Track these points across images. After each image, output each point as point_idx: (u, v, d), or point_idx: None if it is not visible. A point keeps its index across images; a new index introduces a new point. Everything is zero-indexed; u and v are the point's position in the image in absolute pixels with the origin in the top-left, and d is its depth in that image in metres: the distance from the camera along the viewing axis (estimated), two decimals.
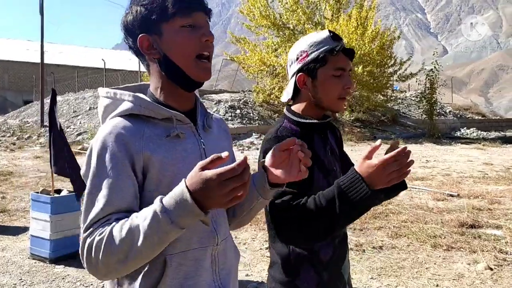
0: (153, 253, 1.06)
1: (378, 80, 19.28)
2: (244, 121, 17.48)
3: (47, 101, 23.30)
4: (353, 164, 1.64)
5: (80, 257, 1.09)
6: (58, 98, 23.55)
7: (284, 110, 1.73)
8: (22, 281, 4.42)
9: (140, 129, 1.17)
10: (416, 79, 20.71)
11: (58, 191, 5.20)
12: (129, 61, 40.14)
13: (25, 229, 6.06)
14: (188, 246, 1.19)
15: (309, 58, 1.61)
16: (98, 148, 1.13)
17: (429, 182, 9.20)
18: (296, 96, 1.69)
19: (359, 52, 17.36)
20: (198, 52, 1.21)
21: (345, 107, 1.73)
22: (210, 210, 1.03)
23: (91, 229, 1.07)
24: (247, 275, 4.57)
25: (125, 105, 1.20)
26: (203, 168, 1.00)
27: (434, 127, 19.70)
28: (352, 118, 20.43)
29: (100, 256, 1.03)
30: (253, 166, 10.10)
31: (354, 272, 4.57)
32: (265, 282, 4.40)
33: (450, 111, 26.50)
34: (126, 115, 1.19)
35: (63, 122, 19.08)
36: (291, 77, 1.68)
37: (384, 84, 19.84)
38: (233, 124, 16.68)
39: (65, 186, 8.40)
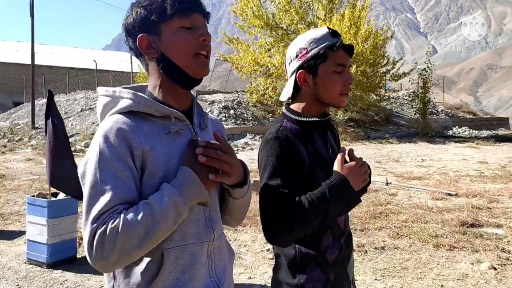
0: (164, 236, 1.13)
1: (371, 79, 19.32)
2: (238, 122, 17.40)
3: (38, 102, 23.05)
4: None
5: (87, 248, 1.09)
6: None
7: (283, 109, 1.72)
8: (19, 287, 4.32)
9: (139, 125, 1.21)
10: (409, 78, 20.79)
11: (55, 194, 5.08)
12: (120, 62, 39.90)
13: (20, 234, 5.94)
14: (185, 240, 1.22)
15: (309, 55, 1.60)
16: (100, 143, 1.16)
17: (427, 181, 9.19)
18: (296, 94, 1.68)
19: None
20: (196, 51, 1.25)
21: (344, 105, 1.75)
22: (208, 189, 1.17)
23: (101, 218, 1.09)
24: (249, 277, 4.50)
25: (125, 102, 1.23)
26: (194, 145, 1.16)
27: (427, 126, 19.78)
28: (345, 117, 20.44)
29: (116, 243, 1.06)
30: (251, 166, 10.06)
31: (358, 274, 4.52)
32: (269, 285, 4.35)
33: (442, 110, 26.66)
34: (125, 112, 1.23)
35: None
36: (291, 75, 1.68)
37: (377, 83, 19.88)
38: (227, 125, 16.59)
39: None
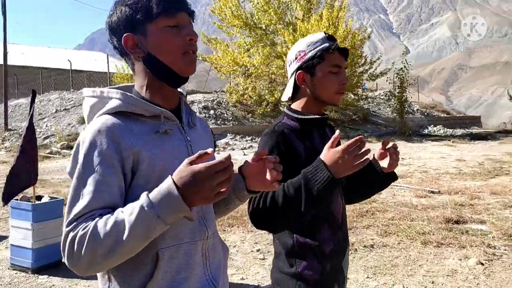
0: (138, 247, 1.07)
1: (349, 79, 19.50)
2: (219, 122, 17.32)
3: (11, 103, 22.42)
4: None
5: (61, 251, 1.08)
6: (22, 100, 22.77)
7: (284, 108, 1.90)
8: None
9: (128, 125, 1.18)
10: (387, 78, 21.08)
11: (39, 197, 4.94)
12: (94, 62, 39.19)
13: (0, 239, 5.76)
14: (180, 240, 1.20)
15: (307, 56, 1.72)
16: (87, 145, 1.13)
17: (409, 179, 9.34)
18: (296, 94, 1.80)
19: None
20: (183, 50, 1.24)
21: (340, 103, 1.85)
22: (195, 206, 1.06)
23: (75, 223, 1.07)
24: (242, 278, 4.47)
25: (113, 103, 1.21)
26: (191, 163, 1.03)
27: (405, 125, 20.10)
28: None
29: (83, 250, 1.03)
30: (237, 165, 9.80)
31: (350, 272, 4.52)
32: (262, 285, 4.33)
33: (417, 109, 27.14)
34: (114, 113, 1.20)
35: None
36: (291, 76, 1.79)
37: (355, 83, 20.07)
38: None
39: (47, 192, 8.08)
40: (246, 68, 19.07)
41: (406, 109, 22.75)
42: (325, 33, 1.77)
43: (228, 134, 16.52)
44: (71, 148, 14.68)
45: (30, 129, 4.40)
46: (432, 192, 7.88)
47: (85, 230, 1.04)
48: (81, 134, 1.18)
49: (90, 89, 1.28)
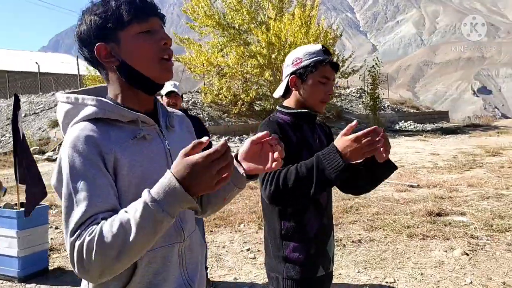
0: (147, 245, 1.06)
1: None
2: None
3: None
4: None
5: (70, 262, 1.05)
6: None
7: (277, 107, 2.03)
8: None
9: (106, 132, 1.17)
10: (360, 75, 21.40)
11: (22, 204, 4.80)
12: (61, 64, 38.20)
13: None
14: (156, 245, 1.19)
15: (302, 64, 1.91)
16: (69, 153, 1.11)
17: None
18: (287, 94, 2.01)
19: None
20: (159, 56, 1.22)
21: (324, 110, 2.04)
22: (199, 195, 1.06)
23: (78, 231, 1.05)
24: (235, 279, 4.47)
25: (89, 110, 1.19)
26: (186, 155, 1.02)
27: (378, 121, 20.44)
28: None
29: (93, 256, 1.02)
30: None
31: (340, 267, 4.61)
32: (257, 283, 4.35)
33: (388, 106, 27.65)
34: (90, 119, 1.18)
35: None
36: (285, 78, 1.99)
37: None
38: None
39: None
40: (220, 68, 19.01)
41: (378, 105, 23.16)
42: (322, 46, 1.94)
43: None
44: (44, 153, 14.33)
45: (17, 137, 4.28)
46: (412, 186, 8.07)
47: (91, 236, 1.03)
48: (62, 144, 1.17)
49: (64, 94, 1.26)
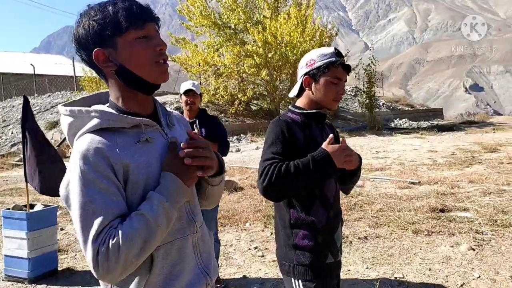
0: (161, 238, 1.22)
1: None
2: None
3: None
4: None
5: (93, 266, 1.14)
6: None
7: (289, 106, 2.16)
8: None
9: (112, 140, 1.24)
10: (355, 74, 21.44)
11: (31, 206, 4.80)
12: (55, 66, 37.97)
13: None
14: (172, 237, 1.31)
15: (315, 65, 2.04)
16: (80, 165, 1.18)
17: (388, 171, 9.57)
18: (301, 93, 2.14)
19: (300, 49, 17.66)
20: (154, 60, 1.29)
21: (336, 107, 2.23)
22: (191, 186, 1.25)
23: (100, 236, 1.14)
24: (244, 276, 4.50)
25: (94, 121, 1.26)
26: (174, 153, 1.23)
27: (374, 120, 20.52)
28: None
29: (120, 256, 1.13)
30: (246, 158, 9.76)
31: (349, 263, 4.64)
32: (266, 281, 4.37)
33: (383, 104, 27.75)
34: (96, 130, 1.25)
35: None
36: (299, 78, 2.12)
37: None
38: None
39: (37, 198, 7.81)
40: (217, 68, 19.00)
41: (374, 103, 23.23)
42: (335, 48, 2.08)
43: None
44: None
45: (25, 138, 4.28)
46: (413, 183, 8.12)
47: (115, 239, 1.13)
48: (71, 157, 1.24)
49: (66, 108, 1.32)
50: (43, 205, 4.84)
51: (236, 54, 18.32)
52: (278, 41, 17.86)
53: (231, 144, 15.10)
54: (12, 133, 17.87)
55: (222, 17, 19.50)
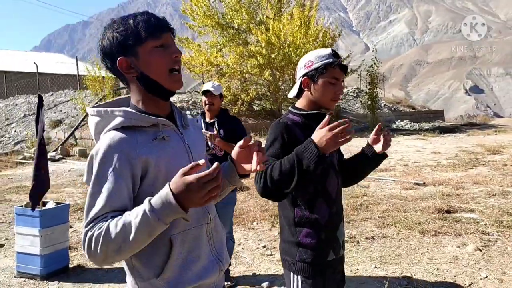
0: (143, 244, 1.27)
1: None
2: None
3: None
4: (342, 154, 2.37)
5: (82, 247, 1.30)
6: None
7: (290, 107, 2.23)
8: None
9: (133, 137, 1.38)
10: (358, 75, 21.50)
11: (44, 203, 4.85)
12: (57, 64, 37.98)
13: None
14: (188, 225, 1.44)
15: (313, 66, 2.09)
16: (99, 158, 1.33)
17: (393, 172, 9.62)
18: (300, 94, 2.19)
19: (303, 50, 17.71)
20: (170, 67, 1.43)
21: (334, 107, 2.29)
22: (189, 208, 1.24)
23: (92, 224, 1.28)
24: (254, 275, 4.55)
25: (118, 120, 1.40)
26: (184, 174, 1.21)
27: (376, 121, 20.54)
28: None
29: (99, 247, 1.24)
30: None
31: (357, 263, 4.69)
32: (276, 279, 4.42)
33: (384, 105, 27.78)
34: (119, 128, 1.40)
35: None
36: (298, 79, 2.17)
37: None
38: None
39: (49, 197, 7.86)
40: (220, 68, 19.04)
41: (376, 104, 23.25)
42: (332, 49, 2.13)
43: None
44: None
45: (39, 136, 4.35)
46: (418, 184, 8.17)
47: (99, 231, 1.25)
48: (94, 147, 1.37)
49: (93, 109, 1.47)
50: (55, 202, 4.88)
51: (239, 54, 18.36)
52: (281, 41, 17.91)
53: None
54: (15, 131, 17.91)
55: (226, 17, 19.55)
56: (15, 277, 4.63)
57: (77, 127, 16.66)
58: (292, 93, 2.23)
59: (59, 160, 13.86)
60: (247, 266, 4.78)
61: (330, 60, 2.07)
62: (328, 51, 2.11)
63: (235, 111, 18.37)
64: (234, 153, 1.58)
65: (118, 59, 1.42)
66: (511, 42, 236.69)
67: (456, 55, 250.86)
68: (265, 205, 6.92)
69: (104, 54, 1.45)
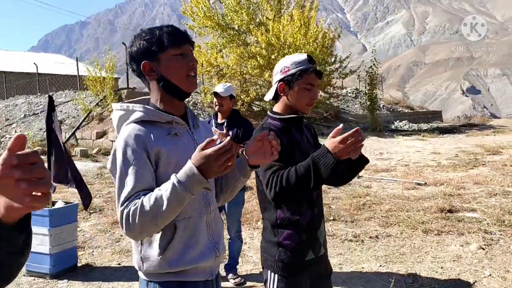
0: (174, 213, 1.47)
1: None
2: None
3: None
4: None
5: (120, 225, 1.48)
6: None
7: (268, 112, 2.29)
8: None
9: (150, 130, 1.59)
10: (358, 75, 21.57)
11: (53, 202, 4.90)
12: (55, 64, 37.92)
13: None
14: (190, 214, 1.63)
15: (289, 72, 2.15)
16: (122, 147, 1.54)
17: (394, 173, 9.70)
18: (277, 98, 2.25)
19: (303, 51, 17.76)
20: (187, 73, 1.64)
21: (309, 111, 2.33)
22: (210, 178, 1.46)
23: (126, 203, 1.47)
24: (261, 272, 4.60)
25: (138, 114, 1.62)
26: (203, 149, 1.42)
27: (376, 121, 20.65)
28: None
29: (137, 220, 1.43)
30: None
31: (362, 261, 4.76)
32: None
33: (383, 106, 27.88)
34: (138, 121, 1.60)
35: None
36: (274, 84, 2.23)
37: (327, 82, 20.44)
38: None
39: (56, 197, 7.91)
40: (220, 69, 19.09)
41: (375, 105, 23.34)
42: (308, 55, 2.19)
43: None
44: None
45: (51, 137, 4.40)
46: (419, 184, 8.25)
47: (135, 206, 1.44)
48: (117, 139, 1.59)
49: (118, 104, 1.70)
50: (64, 202, 4.93)
51: (239, 55, 18.42)
52: (281, 42, 17.96)
53: None
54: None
55: (226, 18, 19.59)
56: (24, 275, 4.67)
57: (78, 128, 16.70)
58: (268, 97, 2.28)
59: None
60: (253, 265, 4.84)
61: (305, 66, 2.14)
62: (303, 56, 2.17)
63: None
64: (249, 144, 1.73)
65: (142, 62, 1.63)
66: (508, 43, 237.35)
67: (453, 56, 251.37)
68: None
69: (131, 58, 1.67)
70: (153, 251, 1.60)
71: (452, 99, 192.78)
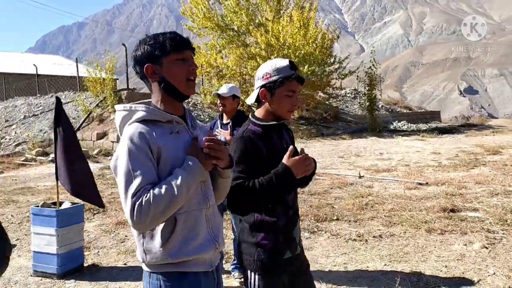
0: (183, 202, 1.65)
1: (320, 78, 19.87)
2: None
3: None
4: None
5: (129, 216, 1.58)
6: None
7: (250, 115, 2.33)
8: None
9: (152, 129, 1.70)
10: (357, 76, 21.62)
11: (61, 203, 4.92)
12: (54, 66, 37.87)
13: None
14: (190, 208, 1.73)
15: (271, 79, 2.18)
16: (128, 144, 1.64)
17: (395, 173, 9.74)
18: (259, 104, 2.29)
19: (302, 51, 17.82)
20: (187, 77, 1.77)
21: (291, 117, 2.42)
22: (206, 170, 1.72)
23: (137, 194, 1.58)
24: None
25: (140, 114, 1.73)
26: (195, 143, 1.69)
27: (375, 122, 20.69)
28: (296, 116, 20.89)
29: (149, 210, 1.56)
30: None
31: (367, 261, 4.79)
32: None
33: (382, 106, 27.95)
34: (141, 121, 1.71)
35: None
36: (256, 89, 2.26)
37: (326, 82, 20.50)
38: None
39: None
40: (219, 69, 19.12)
41: (374, 106, 23.39)
42: (290, 61, 2.21)
43: None
44: (47, 154, 14.32)
45: (57, 138, 4.41)
46: (421, 184, 8.29)
47: (147, 197, 1.57)
48: (121, 139, 1.70)
49: (121, 105, 1.80)
50: (71, 202, 4.96)
51: (238, 56, 18.47)
52: (281, 43, 18.02)
53: None
54: (15, 133, 17.91)
55: (225, 19, 19.63)
56: (31, 276, 4.69)
57: (78, 129, 16.70)
58: (250, 100, 2.32)
59: None
60: None
61: (287, 74, 2.16)
62: (285, 62, 2.19)
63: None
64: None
65: (146, 65, 1.76)
66: (505, 43, 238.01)
67: (451, 56, 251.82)
68: None
69: (136, 61, 1.80)
70: (155, 243, 1.70)
71: (449, 99, 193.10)
